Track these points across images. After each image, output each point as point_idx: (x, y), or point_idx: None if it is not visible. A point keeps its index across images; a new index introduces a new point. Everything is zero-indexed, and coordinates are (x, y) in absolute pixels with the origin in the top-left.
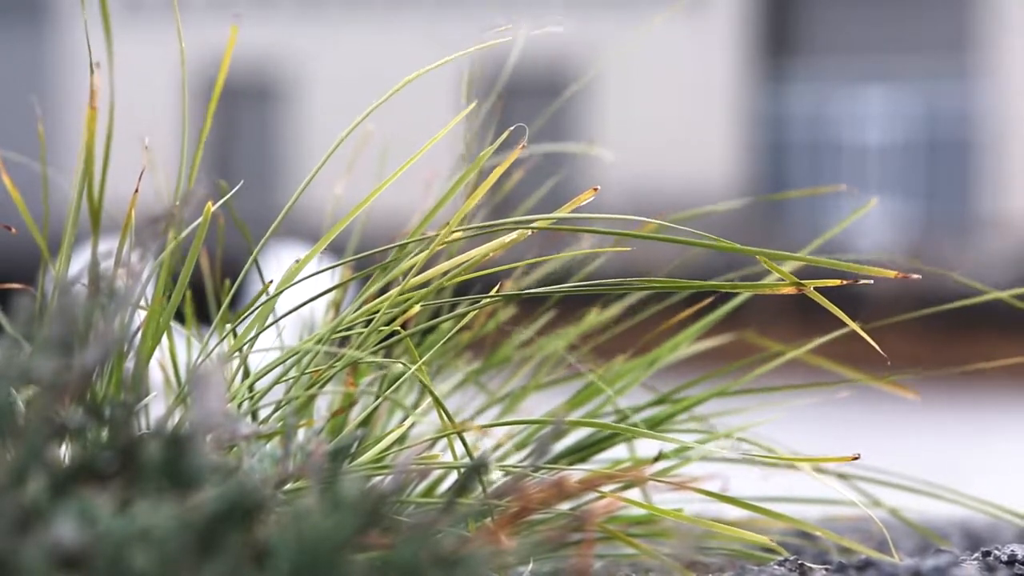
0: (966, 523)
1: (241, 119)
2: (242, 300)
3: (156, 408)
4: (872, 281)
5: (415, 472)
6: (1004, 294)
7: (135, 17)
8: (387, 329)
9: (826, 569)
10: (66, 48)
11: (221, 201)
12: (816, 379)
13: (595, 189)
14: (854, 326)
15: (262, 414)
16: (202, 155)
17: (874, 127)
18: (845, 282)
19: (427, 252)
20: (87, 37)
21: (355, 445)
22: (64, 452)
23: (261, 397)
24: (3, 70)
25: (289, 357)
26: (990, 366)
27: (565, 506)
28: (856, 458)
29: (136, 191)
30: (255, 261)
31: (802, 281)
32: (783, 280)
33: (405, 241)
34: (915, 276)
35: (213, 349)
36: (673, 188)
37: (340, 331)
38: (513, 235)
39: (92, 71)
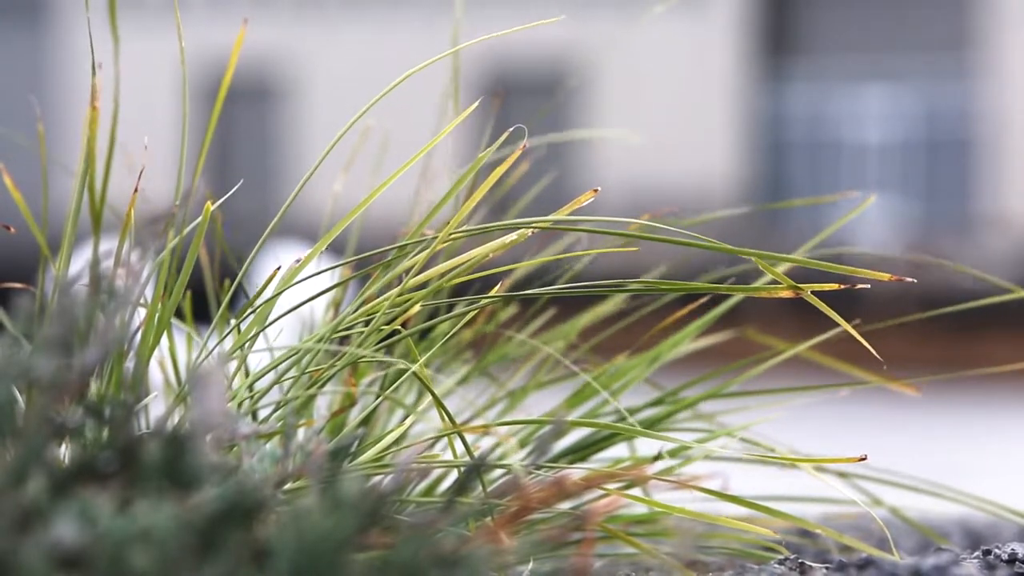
0: (966, 522)
1: (240, 119)
2: (242, 300)
3: (156, 408)
4: (869, 285)
5: (415, 472)
6: (1011, 292)
7: (135, 17)
8: (387, 329)
9: (826, 568)
10: (66, 48)
11: (220, 201)
12: (816, 378)
13: (595, 191)
14: (851, 330)
15: (262, 414)
16: (203, 156)
17: (874, 127)
18: (842, 286)
19: (426, 253)
20: (91, 38)
21: (355, 445)
22: (64, 452)
23: (261, 397)
24: (3, 70)
25: (289, 357)
26: (996, 371)
27: (565, 505)
28: (863, 459)
29: (136, 191)
30: (250, 263)
31: (799, 285)
32: (780, 282)
33: (404, 242)
34: (910, 280)
35: (213, 349)
36: (673, 187)
37: (340, 331)
38: (514, 236)
39: (94, 71)
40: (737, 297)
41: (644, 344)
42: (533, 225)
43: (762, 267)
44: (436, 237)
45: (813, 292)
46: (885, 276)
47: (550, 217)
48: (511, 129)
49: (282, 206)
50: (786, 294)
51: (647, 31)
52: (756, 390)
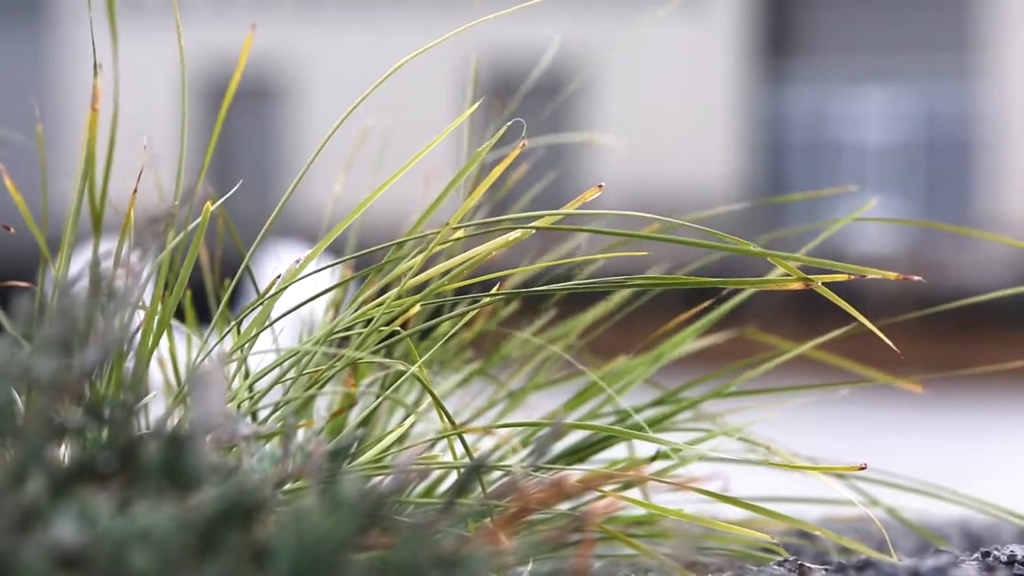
0: (965, 523)
1: (241, 119)
2: (241, 299)
3: (156, 408)
4: (878, 275)
5: (415, 472)
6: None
7: (136, 17)
8: (387, 329)
9: (825, 569)
10: (66, 48)
11: (220, 201)
12: (816, 379)
13: (599, 187)
14: (864, 321)
15: (262, 414)
16: (208, 157)
17: (874, 127)
18: (852, 276)
19: (426, 252)
20: (92, 38)
21: (355, 445)
22: (64, 452)
23: (261, 397)
24: (3, 70)
25: (289, 357)
26: (995, 369)
27: (564, 506)
28: (863, 468)
29: (135, 191)
30: (250, 263)
31: (809, 276)
32: (787, 277)
33: (404, 239)
34: (916, 278)
35: (212, 349)
36: (674, 188)
37: (340, 331)
38: (516, 234)
39: (96, 73)
40: (739, 297)
41: (646, 345)
42: (536, 225)
43: (772, 260)
44: (436, 234)
45: (821, 284)
46: (892, 275)
47: (554, 212)
48: (509, 123)
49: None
50: (796, 286)
51: (648, 32)
52: (755, 389)
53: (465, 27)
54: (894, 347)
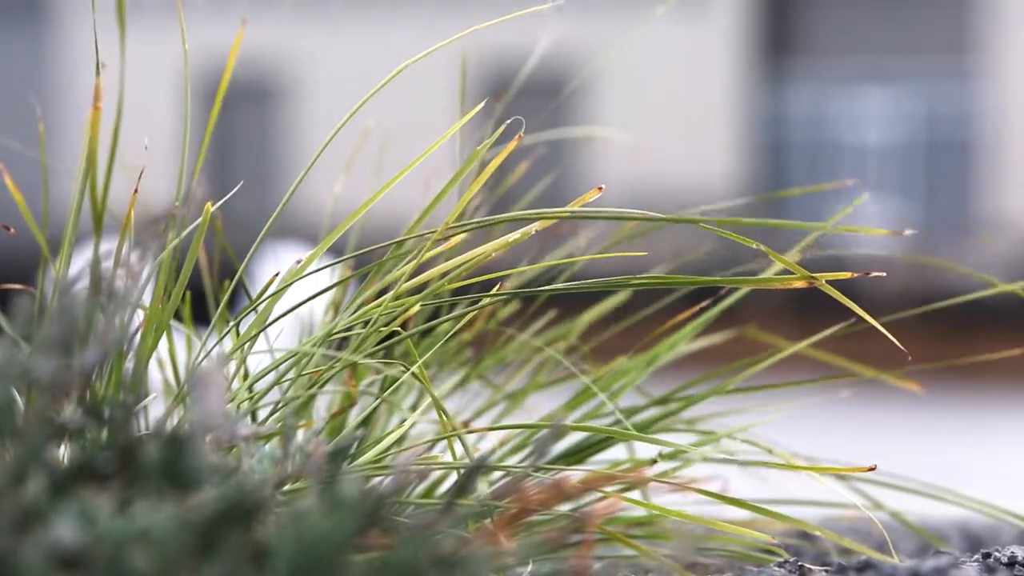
0: (966, 525)
1: (240, 119)
2: (241, 300)
3: (156, 408)
4: (884, 274)
5: (414, 473)
6: (1010, 287)
7: (135, 18)
8: (386, 330)
9: (826, 570)
10: (66, 48)
11: (220, 202)
12: (816, 379)
13: (600, 188)
14: (867, 317)
15: (261, 415)
16: (202, 156)
17: (874, 127)
18: (855, 274)
19: (423, 253)
20: (95, 38)
21: (354, 446)
22: (64, 452)
23: (260, 398)
24: (3, 70)
25: (288, 358)
26: (993, 358)
27: (565, 507)
28: (872, 469)
29: (136, 191)
30: (248, 264)
31: (813, 274)
32: (788, 275)
33: (403, 238)
34: (910, 232)
35: (212, 349)
36: (673, 188)
37: (339, 332)
38: (515, 234)
39: (98, 72)
40: (737, 296)
41: (645, 345)
42: (541, 216)
43: (773, 256)
44: (435, 232)
45: (823, 282)
46: (885, 231)
47: (554, 211)
48: (509, 121)
49: (282, 207)
50: (799, 284)
51: (648, 33)
52: (755, 386)
53: (468, 31)
54: (891, 348)
